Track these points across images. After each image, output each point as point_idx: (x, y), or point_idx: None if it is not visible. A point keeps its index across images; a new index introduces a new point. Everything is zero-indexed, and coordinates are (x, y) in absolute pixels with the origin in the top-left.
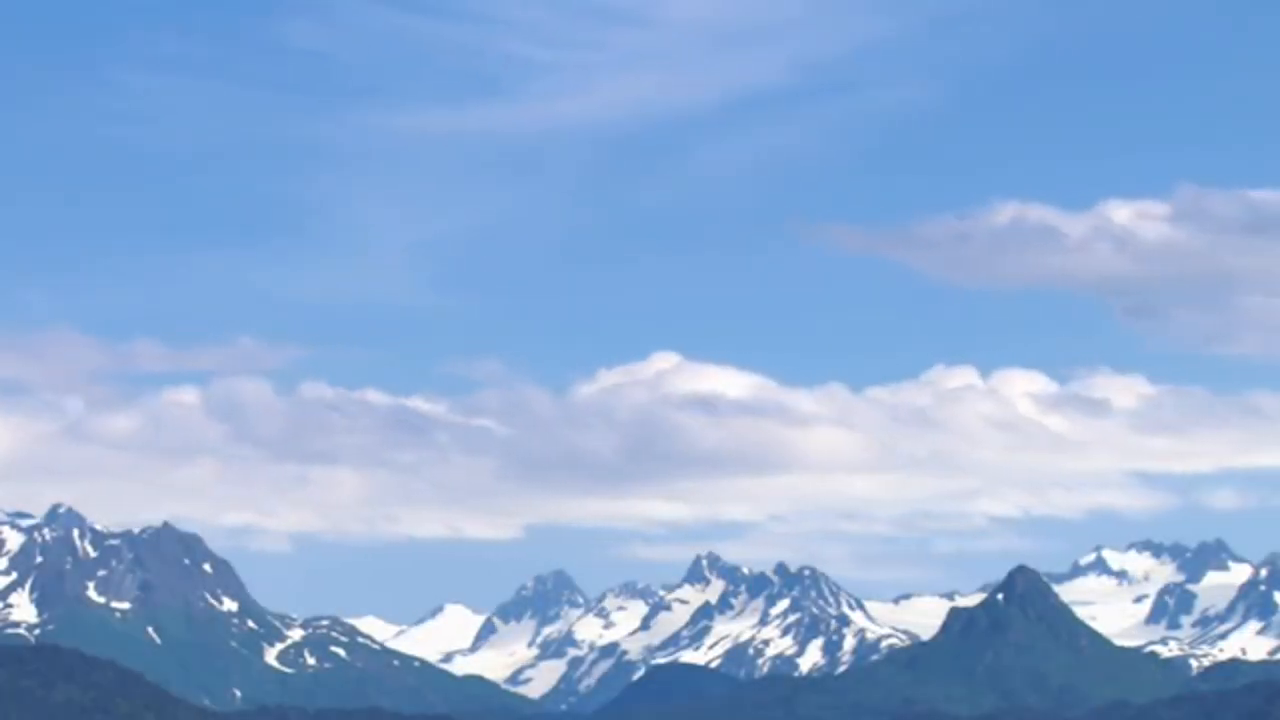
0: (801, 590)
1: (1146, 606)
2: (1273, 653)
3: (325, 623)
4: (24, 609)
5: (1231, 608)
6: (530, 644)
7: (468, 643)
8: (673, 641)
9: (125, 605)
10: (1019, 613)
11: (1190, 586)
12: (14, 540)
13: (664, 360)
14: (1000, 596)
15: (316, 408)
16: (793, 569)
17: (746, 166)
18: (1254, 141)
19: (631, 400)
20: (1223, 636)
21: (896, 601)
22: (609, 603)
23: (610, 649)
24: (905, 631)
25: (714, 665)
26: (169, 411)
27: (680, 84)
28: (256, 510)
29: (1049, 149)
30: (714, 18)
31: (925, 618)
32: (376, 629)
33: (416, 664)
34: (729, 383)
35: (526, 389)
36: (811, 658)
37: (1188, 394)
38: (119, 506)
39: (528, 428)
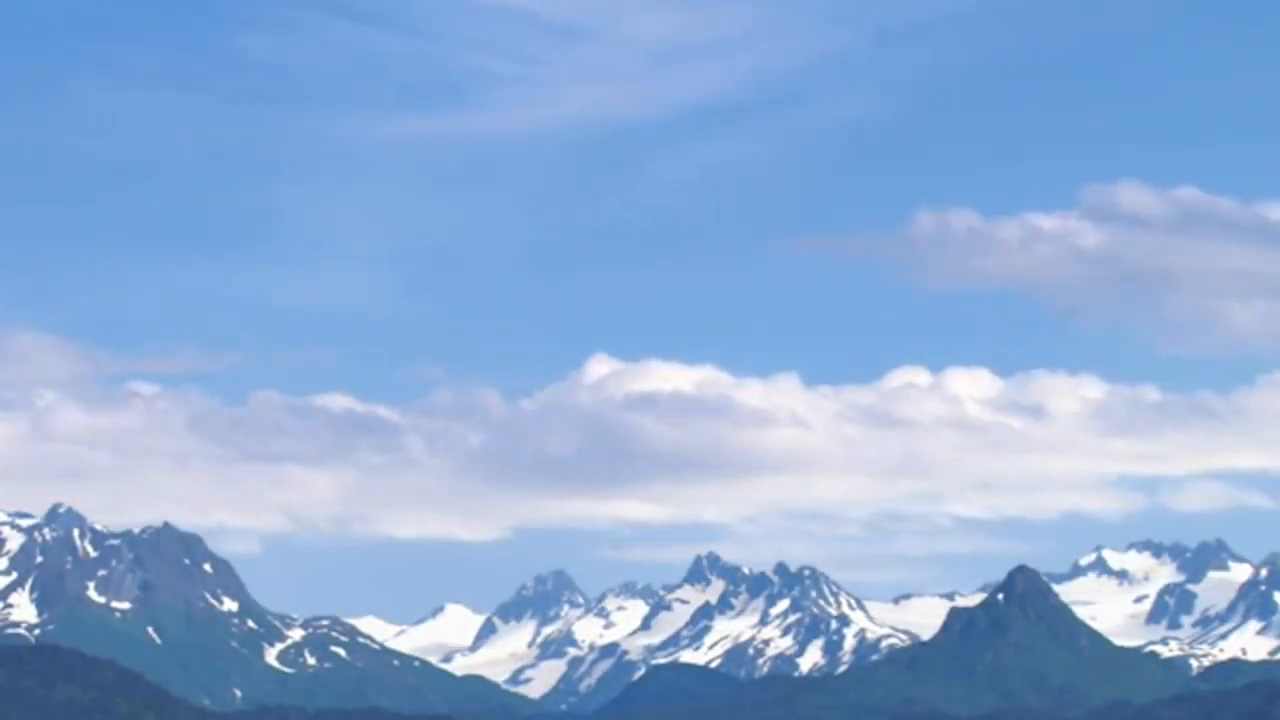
0: (801, 590)
1: (1146, 606)
2: (1273, 653)
3: (325, 623)
4: (24, 609)
5: (1231, 608)
6: (530, 644)
7: (468, 643)
8: (673, 641)
9: (125, 605)
10: (1019, 613)
11: (1190, 586)
12: (14, 540)
13: (624, 364)
14: (1000, 596)
15: (275, 412)
16: (793, 569)
17: (702, 176)
18: (1203, 145)
19: (591, 404)
20: (1223, 636)
21: (896, 601)
22: (609, 603)
23: (610, 649)
24: (905, 631)
25: (714, 665)
26: (129, 415)
27: (636, 96)
28: (228, 511)
29: (995, 156)
30: (669, 32)
31: (925, 618)
32: (376, 629)
33: (416, 664)
34: (687, 383)
35: (486, 394)
36: (811, 658)
37: (1140, 394)
38: (93, 506)
39: (492, 431)
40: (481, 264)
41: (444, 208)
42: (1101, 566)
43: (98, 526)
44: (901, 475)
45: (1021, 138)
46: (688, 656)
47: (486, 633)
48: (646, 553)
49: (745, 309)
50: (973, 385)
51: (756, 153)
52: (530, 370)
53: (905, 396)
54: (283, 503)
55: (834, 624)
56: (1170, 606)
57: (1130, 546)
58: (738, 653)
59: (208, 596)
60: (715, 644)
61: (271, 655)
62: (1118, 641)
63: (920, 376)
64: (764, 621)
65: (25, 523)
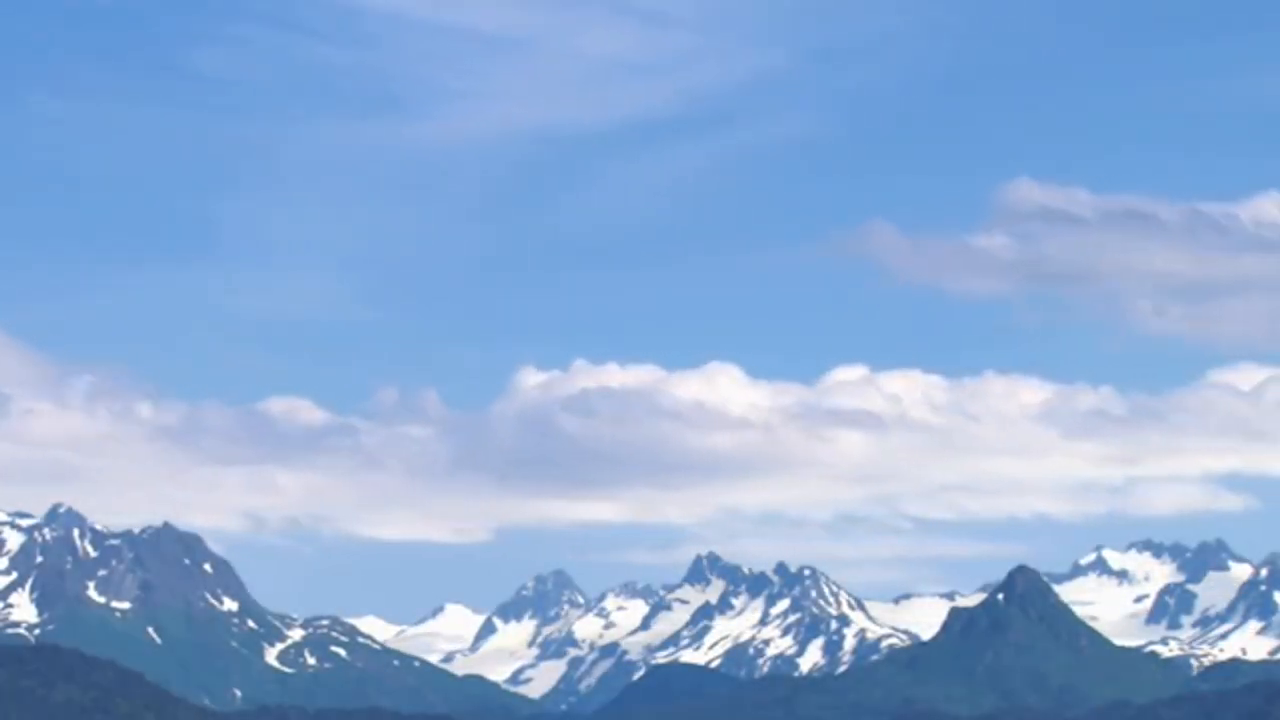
0: (802, 590)
1: (1146, 606)
2: (1273, 653)
3: (325, 623)
4: (24, 609)
5: (1231, 608)
6: (530, 644)
7: (468, 643)
8: (673, 641)
9: (125, 605)
10: (1019, 613)
11: (1190, 586)
12: (14, 540)
13: (558, 373)
14: (1000, 596)
15: (225, 417)
16: (793, 569)
17: (643, 190)
18: (1142, 149)
19: (550, 409)
20: (1223, 636)
21: (897, 601)
22: (609, 603)
23: (610, 649)
24: (905, 631)
25: (714, 665)
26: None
27: (578, 110)
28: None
29: (928, 167)
30: (611, 47)
31: (925, 618)
32: (376, 629)
33: (416, 664)
34: (629, 382)
35: (431, 398)
36: (811, 658)
37: (1087, 395)
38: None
39: (448, 435)
40: (429, 271)
41: (390, 217)
42: (1101, 566)
43: (98, 526)
44: (859, 481)
45: (952, 150)
46: (688, 656)
47: (486, 633)
48: (606, 555)
49: (687, 313)
50: (911, 386)
51: (696, 166)
52: (473, 377)
53: (844, 394)
54: (247, 505)
55: (834, 624)
56: (1170, 606)
57: (1130, 546)
58: (738, 653)
59: (208, 596)
60: (715, 644)
61: (271, 655)
62: (1118, 641)
63: (855, 373)
64: (764, 621)
65: (25, 523)
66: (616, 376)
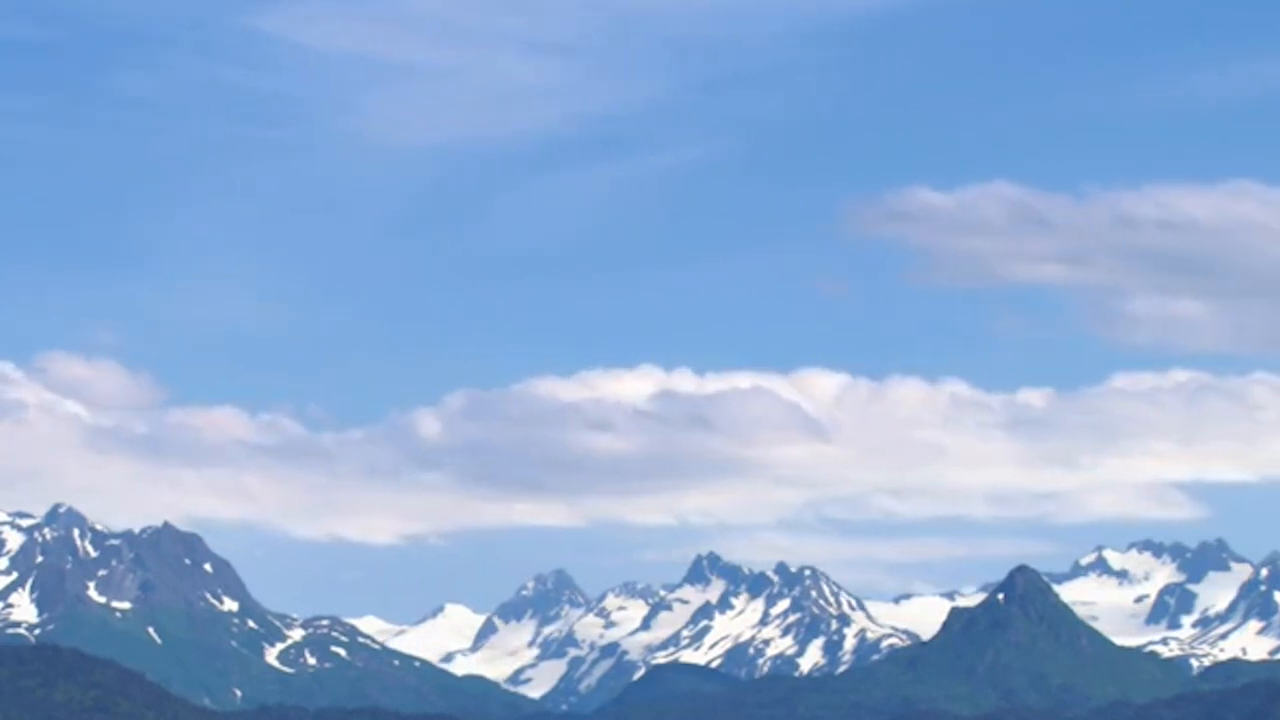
0: (802, 590)
1: (1146, 606)
2: (1273, 653)
3: (325, 623)
4: (24, 609)
5: (1232, 608)
6: (530, 644)
7: (468, 643)
8: (673, 641)
9: (125, 605)
10: (1019, 612)
11: (1190, 586)
12: (14, 540)
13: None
14: (1000, 596)
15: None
16: (793, 568)
17: (545, 212)
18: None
19: (501, 417)
20: (1223, 636)
21: (897, 601)
22: (609, 603)
23: (610, 649)
24: (905, 631)
25: (714, 665)
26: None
27: (481, 134)
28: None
29: (822, 192)
30: (508, 75)
31: (925, 618)
32: (376, 629)
33: (416, 664)
34: (568, 393)
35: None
36: (812, 658)
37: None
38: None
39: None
40: (348, 284)
41: (306, 233)
42: (1102, 566)
43: (98, 526)
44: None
45: (845, 168)
46: (688, 656)
47: (486, 633)
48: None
49: (611, 325)
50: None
51: (596, 189)
52: (368, 390)
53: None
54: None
55: (834, 624)
56: (1170, 606)
57: (1130, 546)
58: (738, 653)
59: (208, 596)
60: (715, 644)
61: (271, 655)
62: (1118, 641)
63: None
64: (764, 621)
65: (25, 523)
66: (547, 387)
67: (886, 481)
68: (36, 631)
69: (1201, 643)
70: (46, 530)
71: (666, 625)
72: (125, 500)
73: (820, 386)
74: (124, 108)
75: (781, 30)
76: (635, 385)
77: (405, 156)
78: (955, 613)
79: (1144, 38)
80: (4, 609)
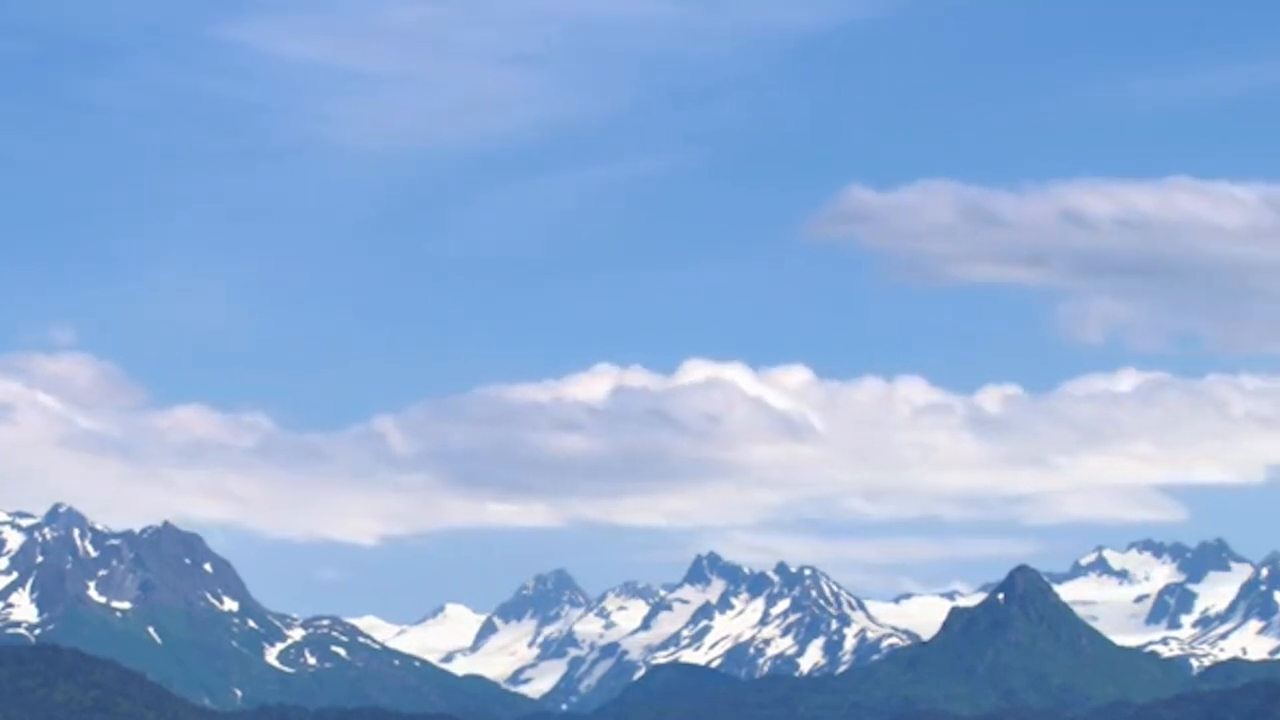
0: (802, 590)
1: (1146, 606)
2: (1273, 653)
3: (325, 623)
4: (24, 609)
5: (1232, 608)
6: (530, 644)
7: (468, 643)
8: (673, 641)
9: (126, 605)
10: (1019, 612)
11: (1190, 586)
12: (14, 540)
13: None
14: (1000, 596)
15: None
16: (793, 568)
17: (508, 220)
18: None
19: (467, 419)
20: (1223, 636)
21: (897, 601)
22: (609, 603)
23: (610, 649)
24: (906, 631)
25: (714, 665)
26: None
27: (445, 143)
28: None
29: (783, 203)
30: (472, 85)
31: (925, 618)
32: (376, 629)
33: (416, 664)
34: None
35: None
36: (812, 658)
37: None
38: None
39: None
40: (314, 289)
41: (272, 239)
42: (1102, 566)
43: (98, 526)
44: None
45: (802, 177)
46: (688, 656)
47: (486, 633)
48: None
49: (573, 328)
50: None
51: (563, 195)
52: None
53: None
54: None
55: (834, 624)
56: (1170, 606)
57: (1131, 546)
58: (738, 653)
59: (208, 596)
60: (715, 644)
61: (272, 655)
62: (1118, 641)
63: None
64: (764, 621)
65: (25, 522)
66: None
67: (861, 482)
68: (36, 631)
69: (1201, 643)
70: (46, 530)
71: (666, 625)
72: (110, 501)
73: (788, 385)
74: (91, 113)
75: (739, 44)
76: (598, 386)
77: (370, 164)
78: (955, 613)
79: (1078, 41)
80: (4, 609)
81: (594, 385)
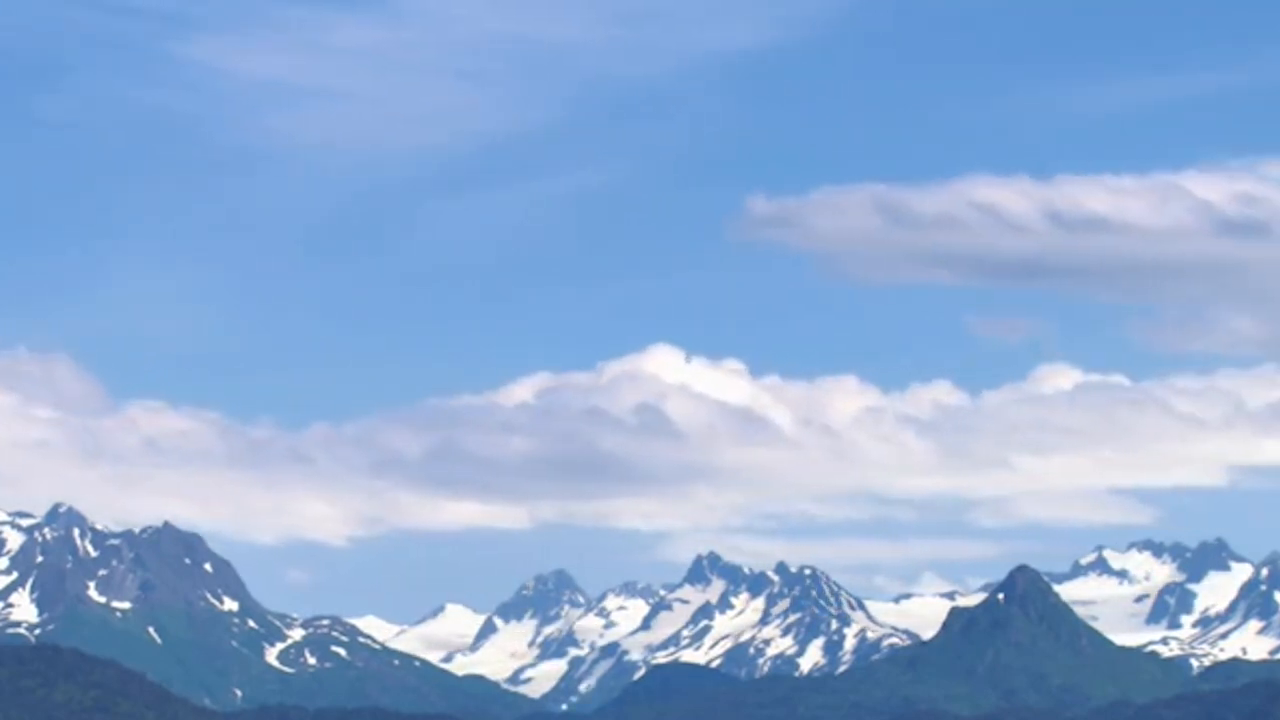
0: (802, 590)
1: (1147, 606)
2: (1273, 653)
3: (325, 623)
4: (24, 609)
5: (1232, 608)
6: (531, 644)
7: (468, 643)
8: (673, 641)
9: (126, 605)
10: (1019, 612)
11: (1190, 586)
12: (14, 540)
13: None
14: (1001, 596)
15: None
16: (793, 568)
17: (454, 231)
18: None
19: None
20: (1223, 636)
21: (897, 601)
22: (610, 602)
23: (610, 649)
24: (906, 631)
25: (714, 665)
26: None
27: (388, 158)
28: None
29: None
30: (419, 100)
31: (926, 617)
32: (376, 629)
33: (416, 664)
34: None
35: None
36: (812, 658)
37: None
38: None
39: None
40: (266, 299)
41: (226, 251)
42: (1102, 566)
43: (98, 526)
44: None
45: (738, 185)
46: (688, 656)
47: (486, 632)
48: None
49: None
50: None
51: (504, 213)
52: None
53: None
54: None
55: (834, 624)
56: (1170, 606)
57: (1131, 546)
58: (738, 653)
59: (208, 596)
60: (715, 644)
61: (272, 655)
62: (1118, 641)
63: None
64: (764, 621)
65: (25, 522)
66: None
67: (815, 485)
68: (36, 631)
69: (1201, 643)
70: (46, 530)
71: (666, 625)
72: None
73: (738, 389)
74: (44, 129)
75: (673, 63)
76: (536, 389)
77: (318, 177)
78: (955, 613)
79: (1008, 45)
80: (4, 609)
81: (536, 390)
